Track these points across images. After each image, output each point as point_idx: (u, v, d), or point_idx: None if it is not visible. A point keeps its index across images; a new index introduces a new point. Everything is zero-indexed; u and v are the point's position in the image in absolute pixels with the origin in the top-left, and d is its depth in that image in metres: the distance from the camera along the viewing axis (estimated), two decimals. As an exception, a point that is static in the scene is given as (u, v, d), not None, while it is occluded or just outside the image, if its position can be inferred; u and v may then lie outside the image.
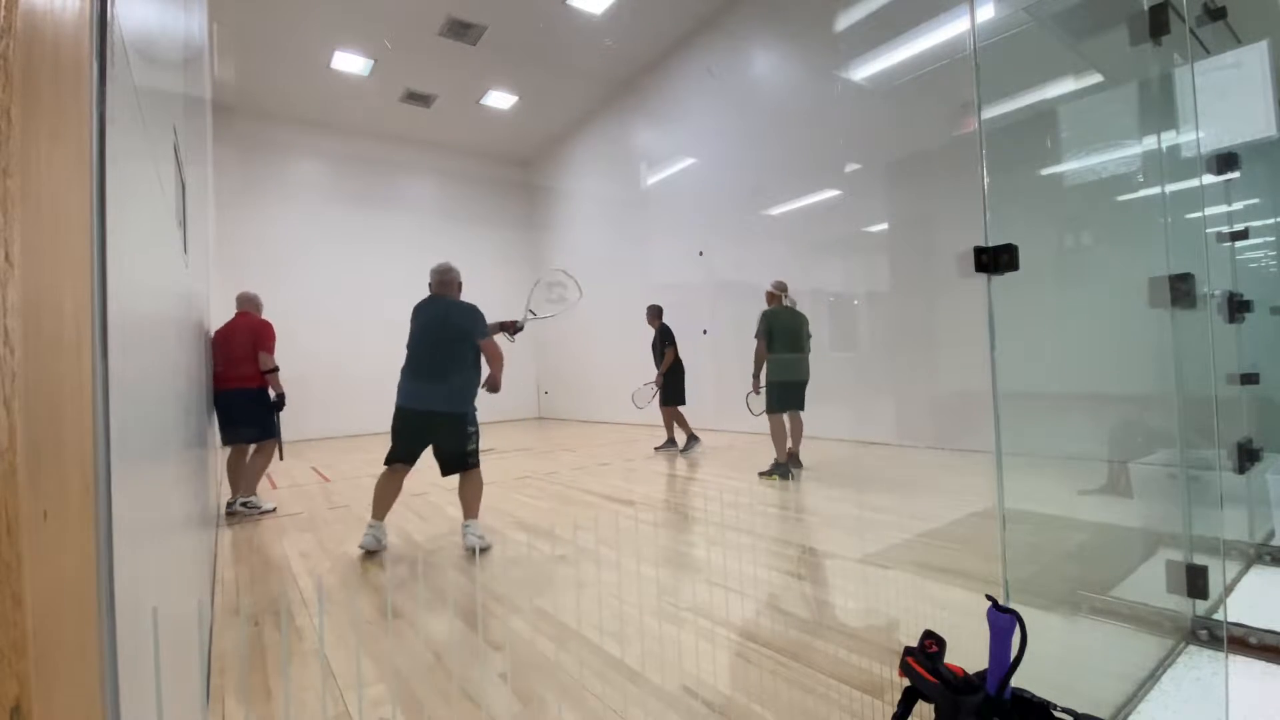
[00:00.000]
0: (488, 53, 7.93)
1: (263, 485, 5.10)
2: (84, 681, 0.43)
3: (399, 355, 3.10)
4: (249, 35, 7.28)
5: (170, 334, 1.25)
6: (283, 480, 5.34)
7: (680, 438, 6.16)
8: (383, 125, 9.84)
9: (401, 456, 3.02)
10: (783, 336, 4.62)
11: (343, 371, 9.32)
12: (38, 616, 0.33)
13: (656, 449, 6.15)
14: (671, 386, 5.95)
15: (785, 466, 4.50)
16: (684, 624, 1.98)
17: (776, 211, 7.15)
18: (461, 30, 7.42)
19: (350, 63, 8.04)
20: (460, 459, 3.07)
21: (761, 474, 4.58)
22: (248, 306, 4.31)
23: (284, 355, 9.31)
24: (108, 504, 0.49)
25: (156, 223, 0.99)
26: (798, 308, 4.80)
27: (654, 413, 6.34)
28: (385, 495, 2.97)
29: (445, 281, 3.25)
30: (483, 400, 3.53)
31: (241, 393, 3.99)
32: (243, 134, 8.84)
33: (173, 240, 1.34)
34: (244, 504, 3.91)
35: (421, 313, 3.15)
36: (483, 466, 3.20)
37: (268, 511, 3.97)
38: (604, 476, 4.93)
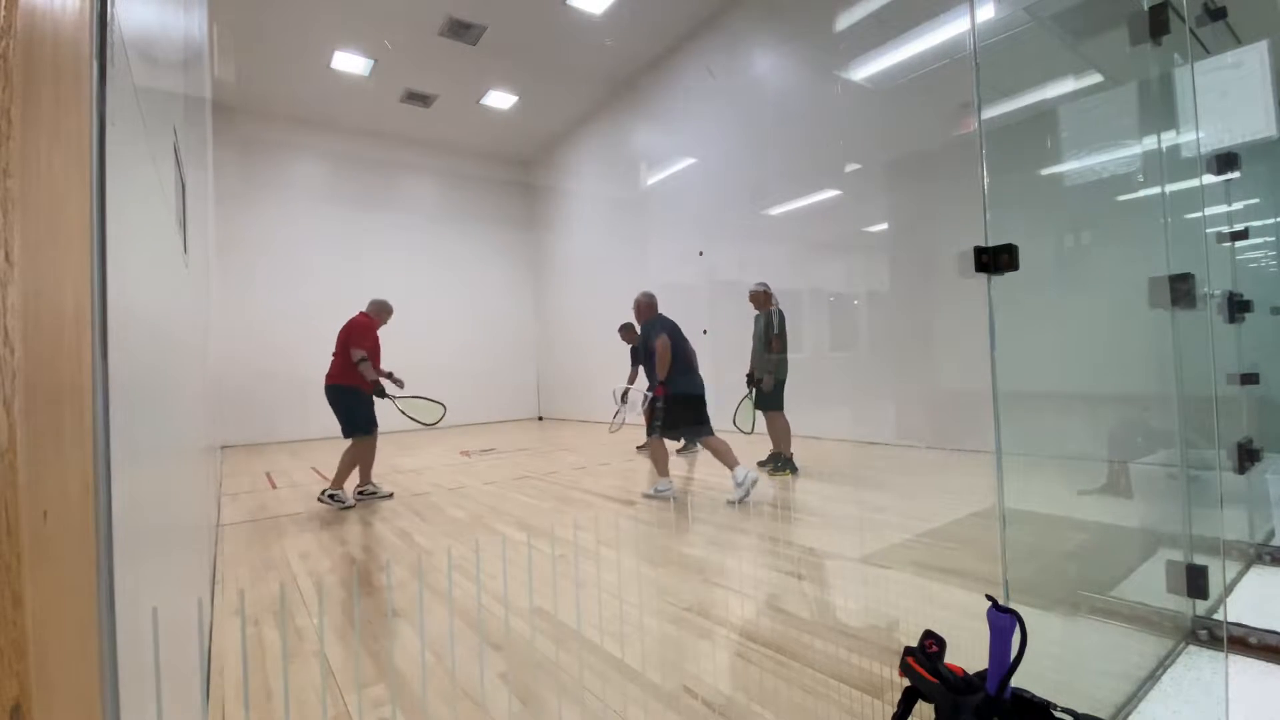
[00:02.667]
0: (488, 53, 7.92)
1: (262, 483, 5.11)
2: (84, 681, 0.43)
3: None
4: (249, 35, 7.28)
5: (171, 334, 1.25)
6: (282, 480, 5.34)
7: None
8: (383, 125, 9.84)
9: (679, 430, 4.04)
10: (785, 336, 4.70)
11: (343, 371, 9.31)
12: (38, 616, 0.33)
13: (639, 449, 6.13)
14: None
15: (791, 460, 4.60)
16: (684, 624, 1.98)
17: (776, 211, 7.16)
18: (461, 30, 7.42)
19: (350, 63, 8.04)
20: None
21: (774, 472, 4.66)
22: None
23: (284, 354, 9.33)
24: (108, 504, 0.49)
25: (157, 223, 0.99)
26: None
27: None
28: (662, 456, 4.03)
29: (655, 304, 4.23)
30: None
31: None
32: (243, 134, 8.83)
33: (173, 240, 1.34)
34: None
35: (675, 329, 4.03)
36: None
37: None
38: (604, 476, 4.93)
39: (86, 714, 0.43)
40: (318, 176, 9.73)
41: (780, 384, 4.67)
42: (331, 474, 4.14)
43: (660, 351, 3.90)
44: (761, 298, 4.80)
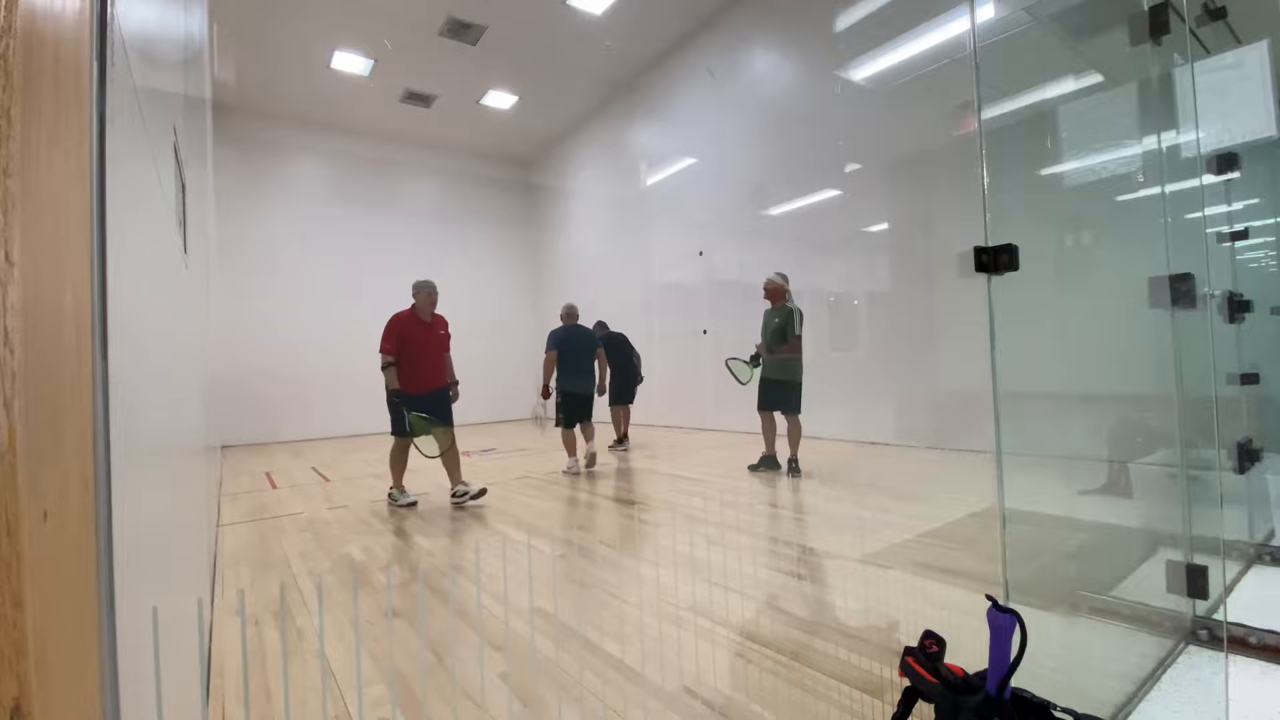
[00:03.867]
0: (488, 53, 7.93)
1: (262, 484, 5.11)
2: (84, 681, 0.43)
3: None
4: (249, 35, 7.28)
5: (171, 334, 1.25)
6: (282, 480, 5.34)
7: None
8: (383, 125, 9.84)
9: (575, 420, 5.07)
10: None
11: (343, 371, 9.32)
12: (38, 616, 0.33)
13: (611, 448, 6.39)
14: (615, 387, 6.35)
15: (790, 462, 4.58)
16: (684, 624, 1.98)
17: (776, 211, 7.16)
18: (461, 30, 7.43)
19: (350, 63, 8.04)
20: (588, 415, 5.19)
21: (752, 467, 4.70)
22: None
23: (284, 354, 9.31)
24: (108, 504, 0.49)
25: (157, 223, 0.99)
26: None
27: (651, 413, 6.43)
28: (569, 442, 5.09)
29: (575, 314, 5.28)
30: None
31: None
32: (243, 134, 8.83)
33: (173, 240, 1.34)
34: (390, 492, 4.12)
35: (569, 339, 5.05)
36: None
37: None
38: (603, 476, 4.93)
39: (86, 714, 0.43)
40: (318, 176, 9.73)
41: (797, 385, 4.57)
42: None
43: (544, 363, 5.01)
44: (778, 290, 4.63)
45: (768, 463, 4.69)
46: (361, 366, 9.62)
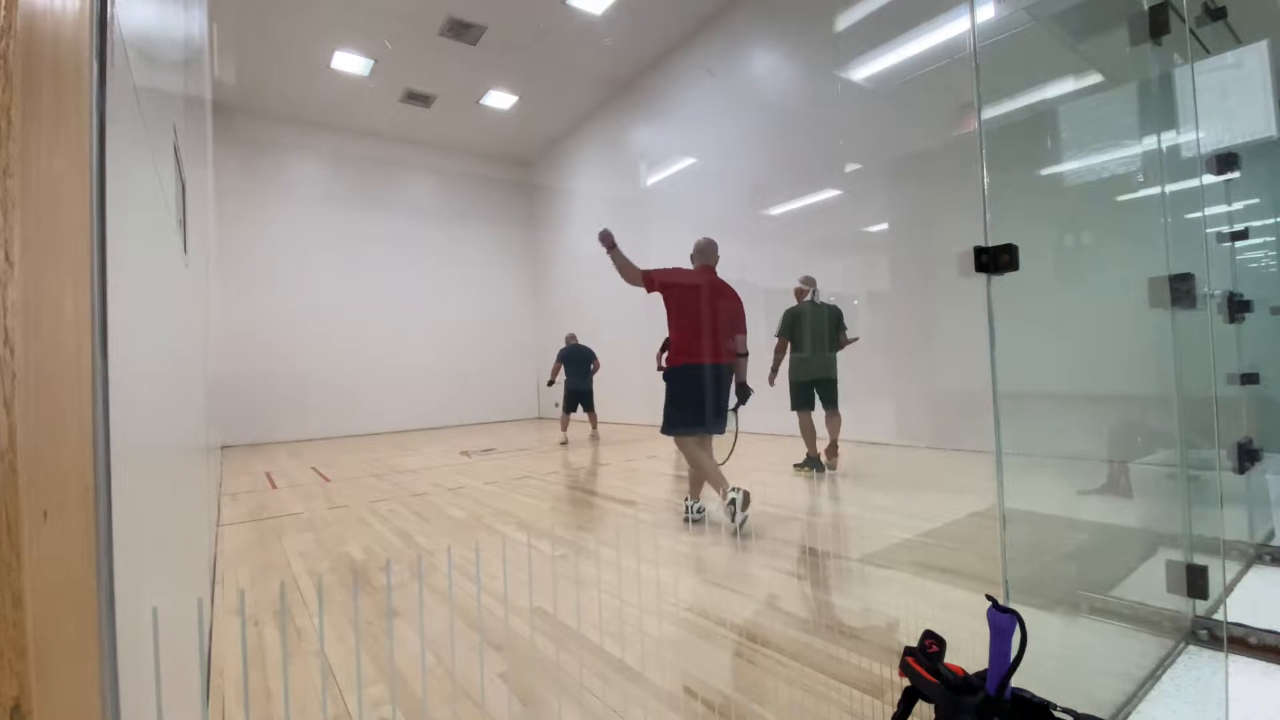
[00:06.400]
0: (488, 53, 7.93)
1: (262, 483, 5.11)
2: (84, 681, 0.43)
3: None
4: (249, 35, 7.28)
5: (171, 334, 1.25)
6: (282, 480, 5.34)
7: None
8: (383, 125, 9.84)
9: (571, 409, 7.48)
10: (803, 334, 4.71)
11: (343, 371, 9.32)
12: (38, 616, 0.33)
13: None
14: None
15: (817, 460, 4.59)
16: (684, 624, 1.98)
17: (776, 211, 7.15)
18: (461, 30, 7.43)
19: (350, 63, 8.04)
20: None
21: (796, 465, 4.70)
22: (708, 260, 3.36)
23: (284, 354, 9.29)
24: (108, 504, 0.49)
25: (157, 223, 0.99)
26: (822, 302, 4.80)
27: (652, 413, 6.46)
28: (564, 423, 7.49)
29: (575, 338, 7.59)
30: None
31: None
32: (243, 134, 8.84)
33: (173, 240, 1.33)
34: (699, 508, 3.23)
35: (569, 356, 7.41)
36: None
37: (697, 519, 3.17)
38: (604, 476, 4.93)
39: (86, 714, 0.43)
40: (318, 176, 9.73)
41: (793, 384, 4.64)
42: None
43: (552, 367, 7.53)
44: (796, 292, 4.84)
45: (812, 464, 4.63)
46: (361, 366, 9.64)
